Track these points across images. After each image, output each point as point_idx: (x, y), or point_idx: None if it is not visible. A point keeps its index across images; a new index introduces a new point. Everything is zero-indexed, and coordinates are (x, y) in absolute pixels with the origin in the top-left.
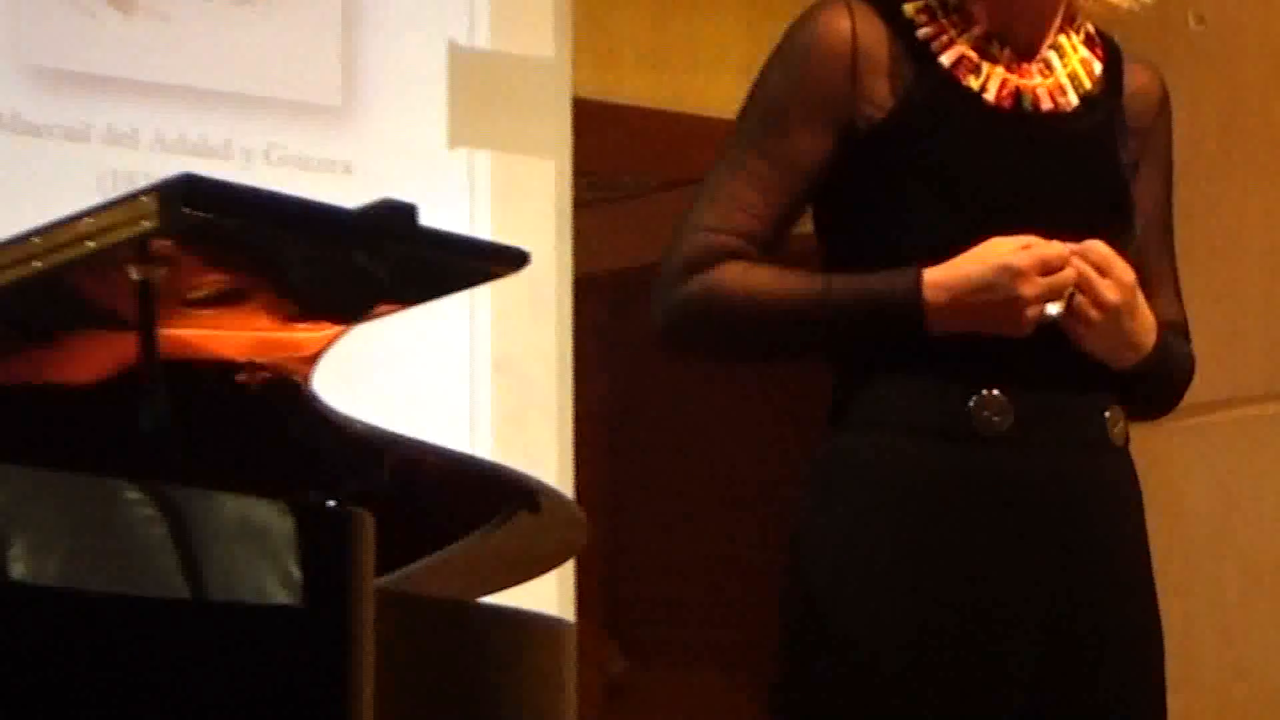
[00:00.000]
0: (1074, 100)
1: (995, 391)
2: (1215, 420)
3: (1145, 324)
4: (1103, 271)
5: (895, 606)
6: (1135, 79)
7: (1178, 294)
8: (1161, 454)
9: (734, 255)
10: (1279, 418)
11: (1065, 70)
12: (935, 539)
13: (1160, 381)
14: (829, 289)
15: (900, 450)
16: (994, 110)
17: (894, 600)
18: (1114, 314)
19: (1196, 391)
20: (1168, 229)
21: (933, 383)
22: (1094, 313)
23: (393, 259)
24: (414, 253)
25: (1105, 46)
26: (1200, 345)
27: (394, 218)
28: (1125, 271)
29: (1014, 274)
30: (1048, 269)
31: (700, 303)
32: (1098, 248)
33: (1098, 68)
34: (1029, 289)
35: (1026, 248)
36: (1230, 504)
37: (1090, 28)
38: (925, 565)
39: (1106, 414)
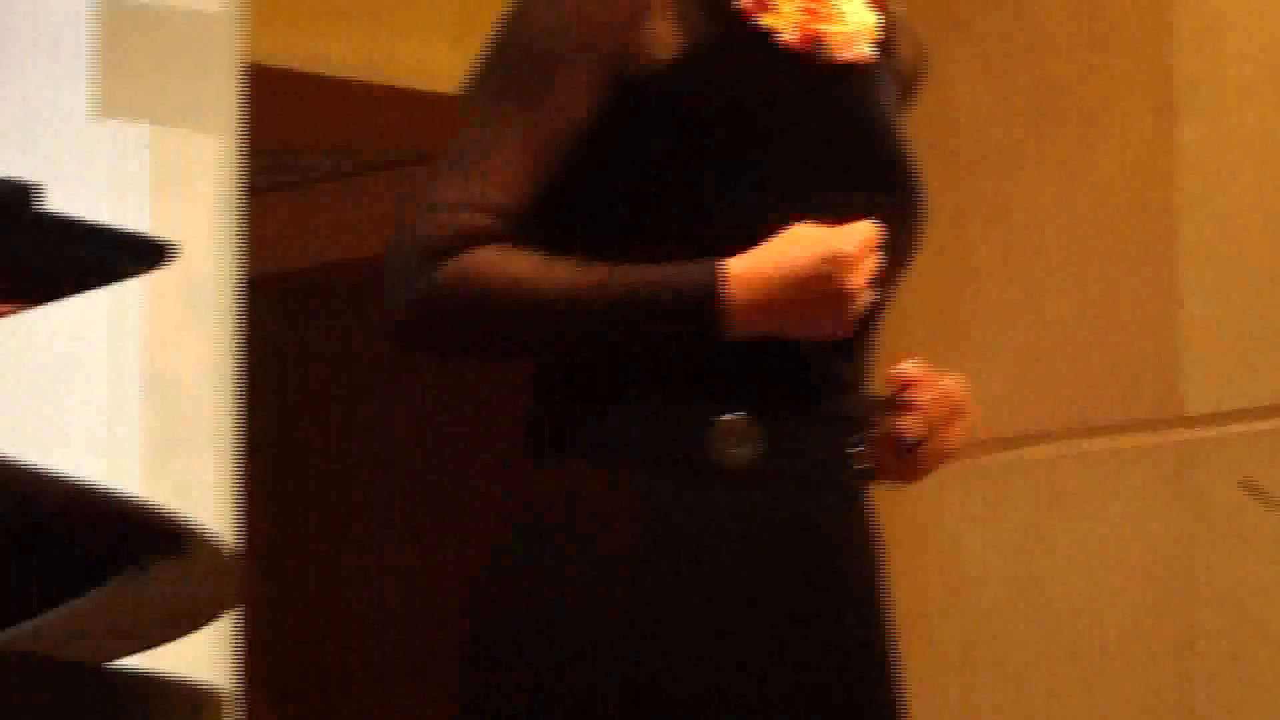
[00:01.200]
0: (868, 51)
1: (739, 415)
2: (1007, 459)
3: None
4: (960, 412)
5: (625, 667)
6: (903, 47)
7: None
8: (940, 498)
9: (487, 237)
10: (1086, 458)
11: (855, 20)
12: (665, 589)
13: None
14: (610, 277)
15: (627, 485)
16: (792, 54)
17: (622, 660)
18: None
19: (986, 423)
20: None
21: (665, 405)
22: (946, 453)
23: (3, 249)
24: (29, 242)
25: (881, 8)
26: (992, 369)
27: (6, 199)
28: (972, 408)
29: (843, 263)
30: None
31: (451, 293)
32: (961, 386)
33: (878, 21)
34: (858, 279)
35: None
36: (1025, 562)
37: None
38: (652, 619)
39: (853, 450)
